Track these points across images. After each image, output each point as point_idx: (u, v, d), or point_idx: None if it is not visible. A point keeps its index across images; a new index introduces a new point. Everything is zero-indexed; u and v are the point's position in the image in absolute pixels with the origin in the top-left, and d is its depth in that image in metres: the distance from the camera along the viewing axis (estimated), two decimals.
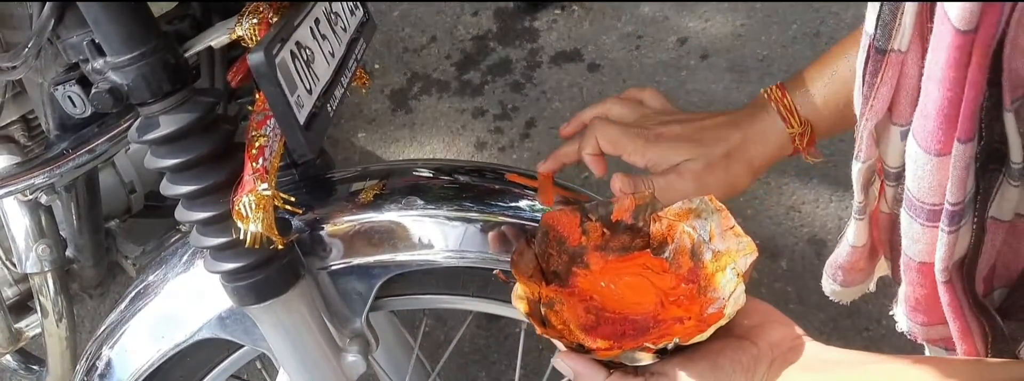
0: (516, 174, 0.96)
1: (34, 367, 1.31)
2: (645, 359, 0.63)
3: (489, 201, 0.92)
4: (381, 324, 1.10)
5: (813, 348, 0.65)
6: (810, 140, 0.82)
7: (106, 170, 1.29)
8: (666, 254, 0.75)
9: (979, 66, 0.52)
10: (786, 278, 1.83)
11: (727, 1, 2.29)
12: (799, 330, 0.66)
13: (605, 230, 0.76)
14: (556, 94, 2.22)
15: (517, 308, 0.68)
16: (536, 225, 0.79)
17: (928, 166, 0.58)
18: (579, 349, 0.66)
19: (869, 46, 0.61)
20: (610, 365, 0.66)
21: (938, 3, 0.52)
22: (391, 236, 0.88)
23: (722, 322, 0.63)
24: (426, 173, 0.98)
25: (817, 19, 2.20)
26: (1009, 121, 0.56)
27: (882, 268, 0.82)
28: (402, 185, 0.94)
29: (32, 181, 0.90)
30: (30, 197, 0.97)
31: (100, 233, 1.20)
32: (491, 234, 0.88)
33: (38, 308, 1.15)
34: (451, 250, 0.88)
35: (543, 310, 0.70)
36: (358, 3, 0.89)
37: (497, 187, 0.95)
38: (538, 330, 0.66)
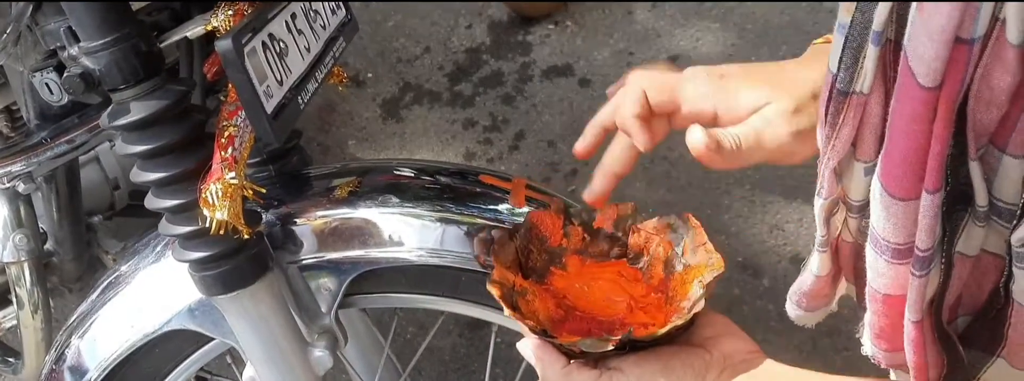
0: (490, 176, 0.97)
1: (10, 359, 1.31)
2: (603, 348, 0.64)
3: (466, 202, 0.93)
4: (354, 323, 1.10)
5: (765, 363, 0.66)
6: None
7: (90, 165, 1.30)
8: (641, 265, 0.77)
9: (944, 121, 0.52)
10: (768, 296, 1.83)
11: (722, 1, 2.32)
12: (754, 346, 0.67)
13: (586, 235, 0.78)
14: (546, 108, 2.23)
15: (491, 292, 0.69)
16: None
17: (892, 208, 0.59)
18: (543, 334, 0.67)
19: (831, 86, 0.61)
20: (570, 355, 0.67)
21: (903, 55, 0.52)
22: (363, 233, 0.89)
23: (678, 322, 0.64)
24: (403, 172, 0.99)
25: (807, 41, 2.21)
26: (974, 169, 0.57)
27: (843, 289, 0.83)
28: (379, 183, 0.95)
29: (9, 168, 0.92)
30: (8, 185, 0.98)
31: (80, 226, 1.20)
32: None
33: (14, 299, 1.15)
34: (424, 249, 0.89)
35: (515, 297, 0.72)
36: (340, 3, 0.91)
37: (475, 190, 0.96)
38: (506, 312, 0.67)
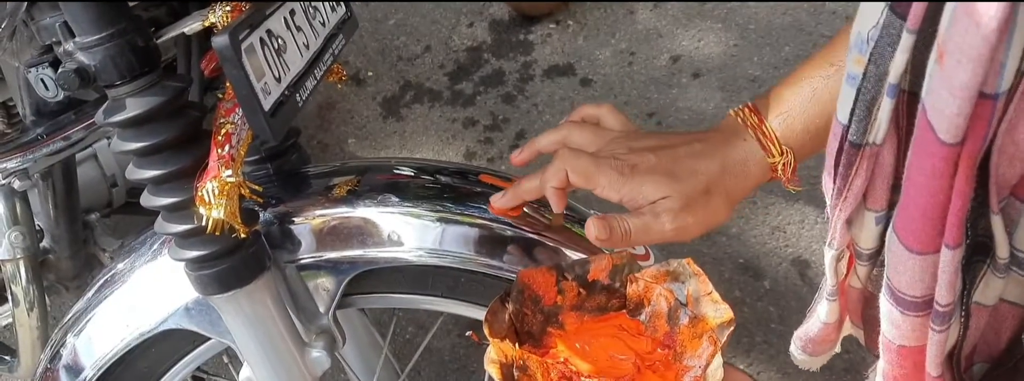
0: (491, 175, 0.96)
1: (5, 357, 1.30)
2: None
3: (466, 202, 0.92)
4: (352, 323, 1.09)
5: None
6: (793, 168, 0.78)
7: (88, 163, 1.30)
8: (643, 316, 0.74)
9: (966, 176, 0.50)
10: (768, 298, 1.82)
11: (715, 1, 2.30)
12: None
13: (581, 289, 0.75)
14: (547, 107, 2.22)
15: (490, 372, 0.67)
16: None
17: (910, 262, 0.57)
18: None
19: (842, 138, 0.59)
20: None
21: (921, 109, 0.50)
22: (361, 232, 0.88)
23: None
24: (403, 171, 0.98)
25: (809, 42, 2.21)
26: (996, 222, 0.55)
27: (846, 330, 0.81)
28: (378, 182, 0.94)
29: (4, 165, 0.91)
30: (4, 182, 0.97)
31: (77, 224, 1.20)
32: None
33: (9, 297, 1.15)
34: (423, 249, 0.88)
35: (516, 374, 0.68)
36: (339, 1, 0.90)
37: (475, 189, 0.95)
38: None
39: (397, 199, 0.90)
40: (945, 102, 0.48)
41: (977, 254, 0.58)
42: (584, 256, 0.79)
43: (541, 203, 0.92)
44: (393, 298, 0.93)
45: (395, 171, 0.98)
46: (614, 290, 0.75)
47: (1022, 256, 0.56)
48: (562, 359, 0.71)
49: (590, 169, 0.77)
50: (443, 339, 1.81)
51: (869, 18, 0.54)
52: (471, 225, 0.89)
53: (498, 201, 0.85)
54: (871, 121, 0.57)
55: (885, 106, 0.55)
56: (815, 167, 1.98)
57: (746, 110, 0.78)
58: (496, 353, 0.67)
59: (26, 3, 0.68)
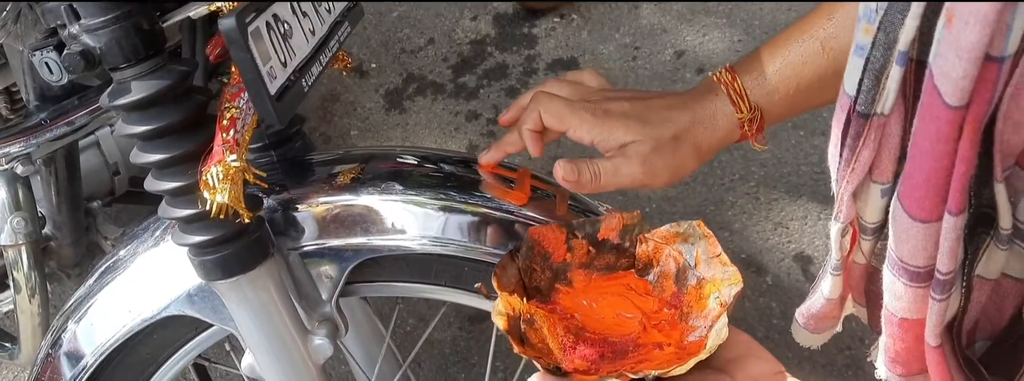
0: (493, 165, 0.96)
1: (6, 344, 1.30)
2: None
3: (470, 191, 0.92)
4: (355, 312, 1.09)
5: None
6: (759, 126, 0.80)
7: (90, 150, 1.30)
8: (650, 276, 0.75)
9: (970, 141, 0.51)
10: (771, 293, 1.82)
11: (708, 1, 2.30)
12: (780, 366, 0.65)
13: (591, 248, 0.76)
14: None
15: (496, 324, 0.68)
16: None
17: (913, 230, 0.57)
18: (556, 372, 0.65)
19: (850, 110, 0.59)
20: None
21: (928, 73, 0.51)
22: (365, 220, 0.87)
23: (702, 356, 0.62)
24: (406, 160, 0.98)
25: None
26: (999, 191, 0.55)
27: (848, 308, 0.81)
28: (382, 170, 0.94)
29: (7, 150, 0.90)
30: (6, 167, 0.97)
31: (79, 211, 1.19)
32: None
33: (11, 283, 1.14)
34: (426, 237, 0.87)
35: (523, 327, 0.69)
36: None
37: (478, 179, 0.94)
38: (516, 349, 0.66)
39: (400, 187, 0.90)
40: (952, 65, 0.48)
41: (980, 225, 0.58)
42: (595, 216, 0.79)
43: (547, 195, 0.92)
44: (396, 287, 0.93)
45: (398, 159, 0.98)
46: (623, 250, 0.76)
47: None
48: (569, 315, 0.72)
49: (563, 111, 0.80)
50: (444, 331, 1.81)
51: None
52: (475, 214, 0.89)
53: (484, 156, 0.88)
54: (879, 91, 0.57)
55: (894, 74, 0.55)
56: (817, 163, 1.98)
57: (722, 70, 0.81)
58: (504, 306, 0.69)
59: None
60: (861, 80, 0.57)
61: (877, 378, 0.72)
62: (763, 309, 1.79)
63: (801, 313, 0.79)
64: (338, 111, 2.31)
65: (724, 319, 0.65)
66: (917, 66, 0.55)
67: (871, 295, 0.72)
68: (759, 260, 1.83)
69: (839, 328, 0.84)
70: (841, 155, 0.62)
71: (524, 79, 2.28)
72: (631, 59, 2.27)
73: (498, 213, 0.89)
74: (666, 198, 1.97)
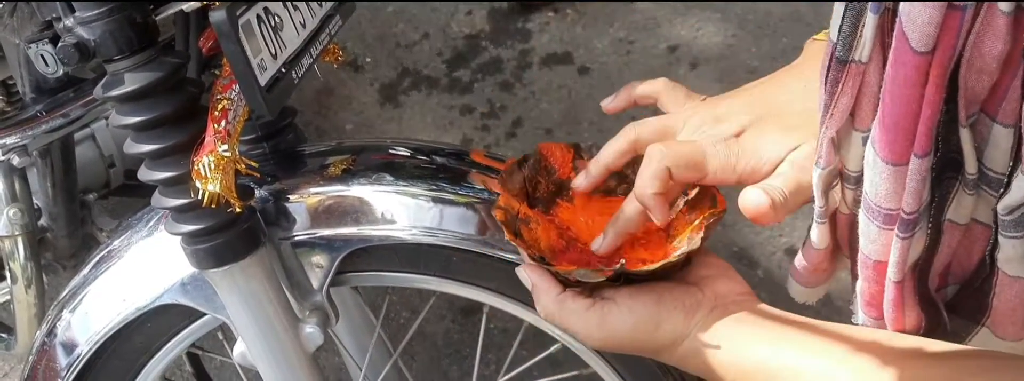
0: (483, 155, 0.97)
1: (3, 335, 1.31)
2: (598, 278, 0.66)
3: (461, 182, 0.93)
4: (346, 302, 1.11)
5: (756, 305, 0.67)
6: None
7: (86, 143, 1.31)
8: None
9: (936, 85, 0.54)
10: (762, 286, 1.84)
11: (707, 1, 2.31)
12: (747, 288, 0.69)
13: None
14: (544, 95, 2.23)
15: (495, 216, 0.71)
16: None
17: (884, 173, 0.60)
18: (540, 261, 0.69)
19: (830, 55, 0.62)
20: (565, 284, 0.69)
21: (897, 20, 0.53)
22: (355, 210, 0.89)
23: (671, 258, 0.66)
24: (398, 152, 0.99)
25: (807, 33, 2.22)
26: (965, 136, 0.57)
27: (843, 268, 0.84)
28: (374, 161, 0.95)
29: (4, 141, 0.92)
30: (2, 158, 0.98)
31: (75, 203, 1.21)
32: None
33: (7, 273, 1.16)
34: (416, 227, 0.89)
35: (517, 224, 0.73)
36: None
37: (469, 170, 0.96)
38: (507, 236, 0.69)
39: (392, 178, 0.91)
40: (917, 11, 0.51)
41: (949, 170, 0.61)
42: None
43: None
44: (385, 276, 0.94)
45: (390, 151, 1.00)
46: (624, 176, 0.78)
47: (990, 174, 0.58)
48: (565, 227, 0.76)
49: (692, 156, 0.68)
50: (437, 324, 1.83)
51: None
52: (465, 205, 0.91)
53: (599, 246, 0.74)
54: (856, 38, 0.59)
55: (870, 22, 0.57)
56: None
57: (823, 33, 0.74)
58: (503, 202, 0.72)
59: None
60: (841, 26, 0.59)
61: (854, 323, 0.74)
62: None
63: (794, 265, 0.82)
64: (333, 105, 2.32)
65: (700, 234, 0.68)
66: (892, 16, 0.57)
67: (855, 244, 0.74)
68: (750, 253, 1.85)
69: (829, 286, 0.86)
70: (824, 102, 0.64)
71: (518, 73, 2.29)
72: (625, 54, 2.28)
73: (487, 204, 0.90)
74: None
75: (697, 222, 0.71)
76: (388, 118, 2.27)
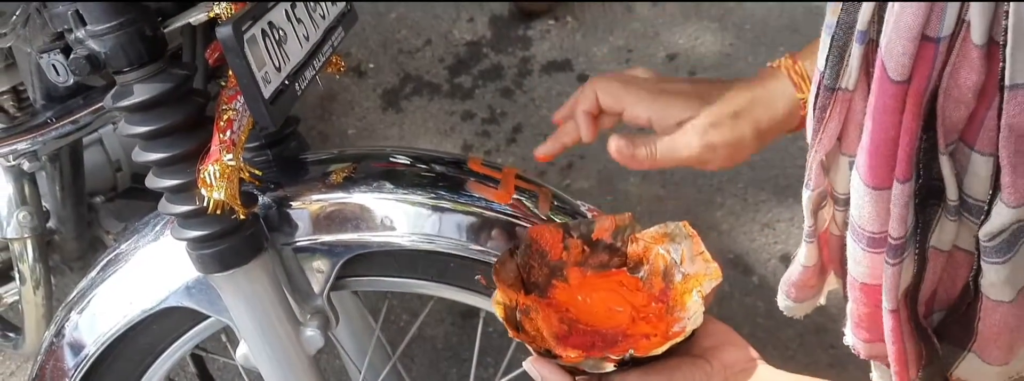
0: (479, 163, 0.99)
1: (11, 334, 1.34)
2: (606, 368, 0.67)
3: (459, 190, 0.95)
4: (347, 306, 1.13)
5: (763, 371, 0.69)
6: None
7: (94, 147, 1.33)
8: (641, 273, 0.79)
9: (912, 114, 0.56)
10: (757, 293, 1.86)
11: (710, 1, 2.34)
12: (754, 354, 0.70)
13: (585, 247, 0.80)
14: (544, 102, 2.26)
15: (495, 312, 0.72)
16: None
17: (867, 197, 0.62)
18: (547, 354, 0.70)
19: (819, 83, 0.64)
20: (574, 372, 0.69)
21: (879, 51, 0.56)
22: (356, 217, 0.91)
23: (678, 339, 0.67)
24: (398, 160, 1.01)
25: (804, 42, 2.24)
26: (945, 163, 0.60)
27: (831, 283, 0.86)
28: (374, 169, 0.97)
29: (15, 146, 0.94)
30: (13, 163, 1.01)
31: (83, 206, 1.23)
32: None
33: (16, 275, 1.18)
34: (416, 234, 0.91)
35: (519, 316, 0.74)
36: None
37: (468, 178, 0.98)
38: (511, 333, 0.70)
39: (392, 186, 0.94)
40: (895, 43, 0.54)
41: (932, 197, 0.63)
42: (590, 217, 0.83)
43: (531, 195, 0.96)
44: (384, 281, 0.96)
45: (391, 159, 1.02)
46: (616, 249, 0.80)
47: (971, 201, 0.61)
48: (564, 309, 0.76)
49: (619, 90, 0.80)
50: (436, 327, 1.85)
51: None
52: (464, 212, 0.93)
53: (540, 149, 0.88)
54: (843, 67, 0.62)
55: (855, 52, 0.60)
56: (804, 165, 2.02)
57: (784, 57, 0.81)
58: (502, 296, 0.73)
59: None
60: (828, 56, 0.62)
61: (845, 344, 0.77)
62: (749, 308, 1.83)
63: (783, 281, 0.84)
64: (336, 110, 2.35)
65: (700, 308, 0.70)
66: (876, 47, 0.59)
67: (845, 265, 0.76)
68: (746, 260, 1.87)
69: (822, 301, 0.88)
70: (813, 127, 0.67)
71: (519, 80, 2.32)
72: (624, 62, 2.30)
73: (484, 212, 0.93)
74: (656, 198, 2.01)
75: (695, 294, 0.72)
76: (390, 123, 2.29)
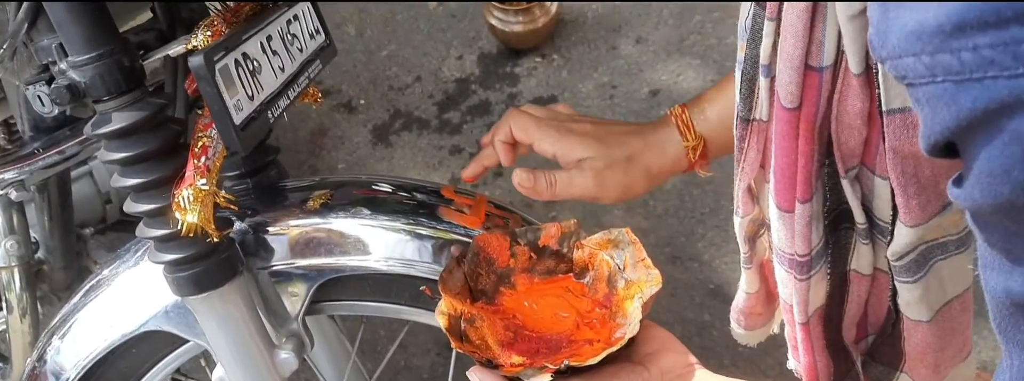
0: (454, 191, 1.03)
1: None
2: (545, 378, 0.68)
3: (431, 216, 0.98)
4: (324, 329, 1.16)
5: (701, 375, 0.71)
6: (702, 154, 0.88)
7: (84, 179, 1.37)
8: (586, 279, 0.81)
9: (806, 138, 0.60)
10: None
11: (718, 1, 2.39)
12: (692, 359, 0.72)
13: (532, 254, 0.83)
14: None
15: (438, 322, 0.75)
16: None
17: (780, 220, 0.66)
18: (488, 365, 0.72)
19: (736, 115, 0.68)
20: None
21: (777, 82, 0.60)
22: (330, 241, 0.94)
23: (614, 348, 0.69)
24: (377, 187, 1.05)
25: None
26: (847, 187, 0.64)
27: (779, 316, 0.89)
28: (352, 196, 1.00)
29: (3, 176, 0.98)
30: (2, 193, 1.04)
31: (71, 236, 1.26)
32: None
33: (4, 304, 1.21)
34: (389, 258, 0.94)
35: (463, 326, 0.76)
36: (319, 29, 0.97)
37: (443, 205, 1.01)
38: (454, 344, 0.72)
39: (368, 212, 0.97)
40: (783, 73, 0.58)
41: (844, 221, 0.66)
42: (536, 224, 0.86)
43: (503, 220, 0.99)
44: (359, 305, 0.99)
45: (368, 187, 1.05)
46: (562, 255, 0.82)
47: (881, 223, 0.64)
48: (512, 315, 0.78)
49: (531, 126, 0.90)
50: (423, 357, 1.87)
51: (744, 10, 0.63)
52: (437, 238, 0.96)
53: (466, 171, 0.98)
54: (754, 99, 0.65)
55: (762, 84, 0.64)
56: None
57: (677, 106, 0.89)
58: (446, 306, 0.75)
59: (26, 26, 0.75)
60: (740, 90, 0.66)
61: (788, 369, 0.79)
62: (729, 337, 1.84)
63: (733, 308, 0.87)
64: (327, 145, 2.39)
65: (638, 315, 0.72)
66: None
67: None
68: (726, 291, 1.89)
69: (776, 329, 0.91)
70: (736, 157, 0.71)
71: None
72: (608, 98, 2.35)
73: (457, 237, 0.96)
74: (639, 230, 2.03)
75: (636, 300, 0.74)
76: (379, 158, 2.33)
